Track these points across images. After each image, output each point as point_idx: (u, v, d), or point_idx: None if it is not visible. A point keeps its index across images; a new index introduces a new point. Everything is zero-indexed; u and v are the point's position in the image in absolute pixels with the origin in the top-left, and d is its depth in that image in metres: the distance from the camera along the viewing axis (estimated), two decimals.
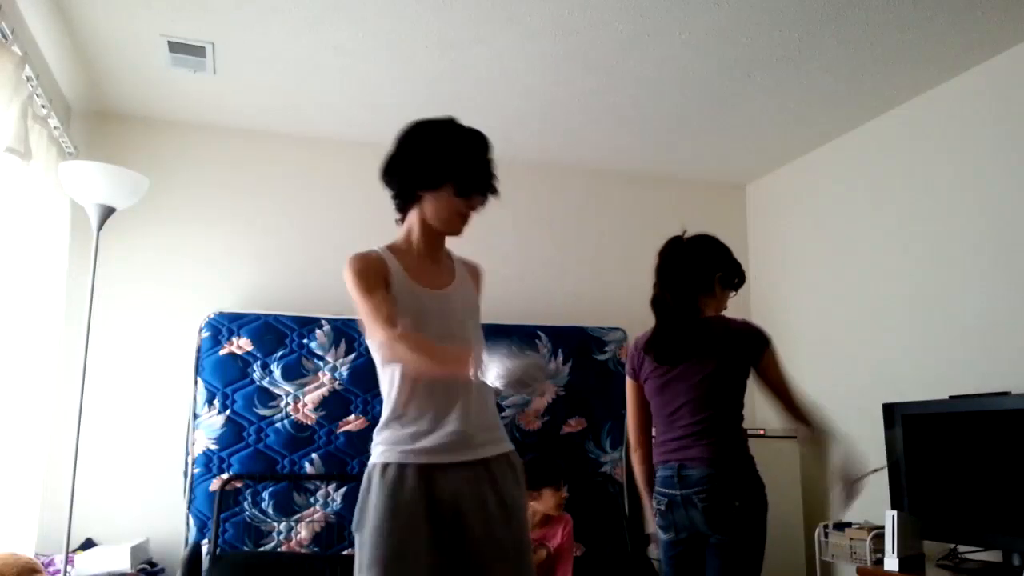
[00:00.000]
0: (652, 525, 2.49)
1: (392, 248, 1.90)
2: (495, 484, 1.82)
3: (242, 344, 3.39)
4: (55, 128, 3.02)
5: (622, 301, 4.08)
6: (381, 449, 1.82)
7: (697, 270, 2.41)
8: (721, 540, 2.23)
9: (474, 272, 2.03)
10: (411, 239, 1.91)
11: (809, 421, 2.31)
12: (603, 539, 3.61)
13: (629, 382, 2.52)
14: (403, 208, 1.92)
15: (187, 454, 3.35)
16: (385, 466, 1.78)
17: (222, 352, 3.37)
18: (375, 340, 1.79)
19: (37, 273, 2.90)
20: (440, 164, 1.84)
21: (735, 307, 2.55)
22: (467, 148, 1.87)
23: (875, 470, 2.35)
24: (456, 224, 1.89)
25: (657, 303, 2.45)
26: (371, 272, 1.80)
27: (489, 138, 1.92)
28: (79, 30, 2.95)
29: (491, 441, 1.87)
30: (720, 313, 2.46)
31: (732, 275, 2.47)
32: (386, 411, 1.85)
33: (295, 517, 3.32)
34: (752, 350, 2.32)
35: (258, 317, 3.45)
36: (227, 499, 3.27)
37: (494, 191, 1.91)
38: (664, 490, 2.35)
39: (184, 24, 2.90)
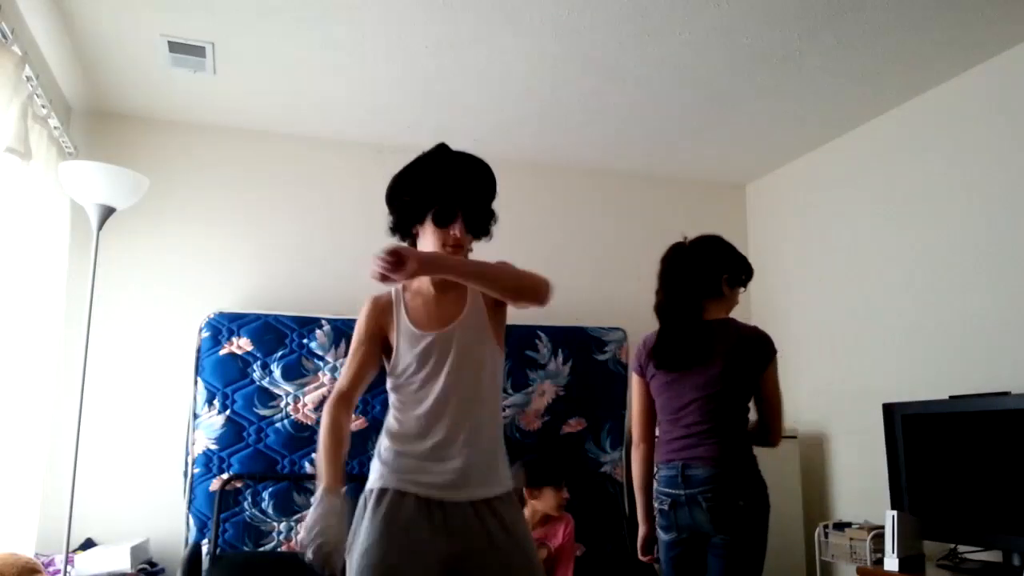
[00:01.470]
0: (643, 526, 2.49)
1: (408, 287, 1.91)
2: (502, 521, 1.80)
3: (242, 344, 3.39)
4: (55, 128, 3.02)
5: (622, 301, 4.08)
6: (380, 472, 1.80)
7: (702, 275, 2.41)
8: (724, 540, 2.23)
9: None
10: (422, 278, 1.89)
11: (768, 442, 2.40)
12: (603, 539, 3.61)
13: (635, 378, 2.52)
14: (409, 242, 1.92)
15: (187, 454, 3.35)
16: (383, 492, 1.77)
17: (222, 352, 3.37)
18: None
19: (37, 273, 2.90)
20: (414, 199, 1.84)
21: (735, 308, 2.54)
22: (439, 177, 1.84)
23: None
24: (447, 254, 1.84)
25: (661, 310, 2.46)
26: (371, 325, 1.88)
27: (473, 163, 1.88)
28: (79, 30, 2.95)
29: (492, 481, 1.83)
30: (731, 311, 2.46)
31: (739, 273, 2.46)
32: (388, 432, 1.85)
33: (295, 517, 3.32)
34: (760, 358, 2.33)
35: (258, 317, 3.45)
36: (227, 499, 3.27)
37: (476, 212, 1.85)
38: (667, 490, 2.34)
39: (184, 24, 2.90)
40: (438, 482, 1.78)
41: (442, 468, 1.79)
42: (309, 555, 1.63)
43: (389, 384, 1.89)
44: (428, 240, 1.85)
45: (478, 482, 1.80)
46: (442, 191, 1.83)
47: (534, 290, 1.79)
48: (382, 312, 1.88)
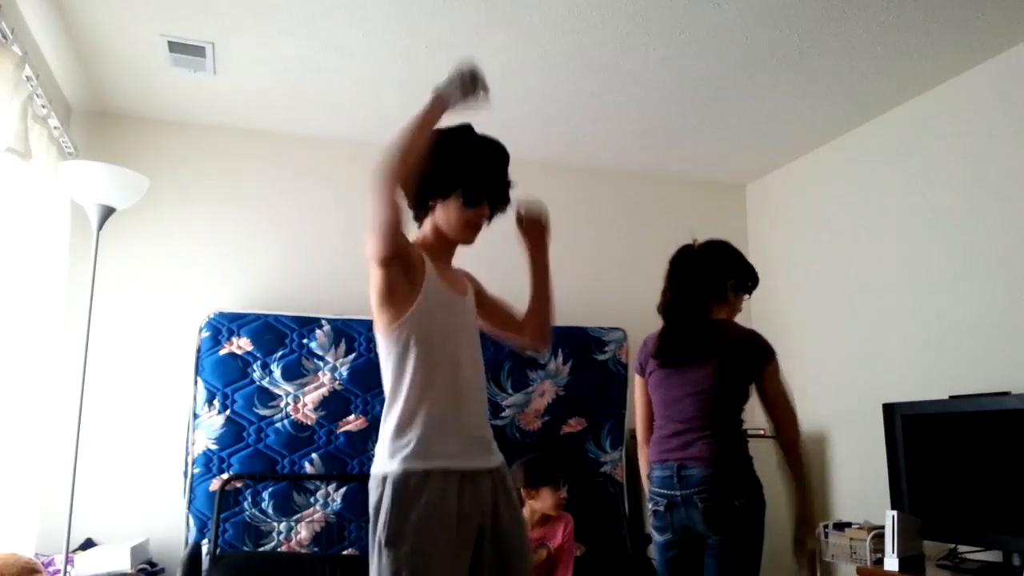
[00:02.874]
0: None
1: (417, 244, 1.87)
2: (507, 490, 1.83)
3: (242, 344, 3.39)
4: (55, 128, 3.02)
5: (622, 301, 4.08)
6: (413, 451, 1.70)
7: (709, 278, 2.43)
8: (720, 541, 2.23)
9: (470, 279, 2.01)
10: (427, 245, 1.88)
11: (791, 462, 2.34)
12: (603, 539, 3.61)
13: (637, 379, 2.56)
14: (418, 216, 1.90)
15: (187, 454, 3.35)
16: (425, 475, 1.69)
17: (222, 352, 3.37)
18: (381, 187, 1.64)
19: (37, 273, 2.90)
20: (448, 172, 1.82)
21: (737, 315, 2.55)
22: (476, 156, 1.85)
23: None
24: (467, 234, 1.87)
25: (667, 309, 2.47)
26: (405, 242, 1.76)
27: (504, 147, 1.90)
28: (79, 30, 2.95)
29: (496, 449, 1.88)
30: (734, 316, 2.47)
31: (745, 280, 2.49)
32: (406, 408, 1.73)
33: (295, 517, 3.32)
34: (755, 362, 2.33)
35: (258, 317, 3.45)
36: (227, 499, 3.27)
37: (504, 200, 1.89)
38: (662, 490, 2.34)
39: (184, 24, 2.90)
40: (471, 451, 1.77)
41: (472, 436, 1.79)
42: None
43: (403, 343, 1.75)
44: (450, 215, 1.83)
45: (494, 449, 1.85)
46: (478, 171, 1.83)
47: (548, 342, 2.04)
48: (415, 251, 1.80)
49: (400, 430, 1.73)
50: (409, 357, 1.75)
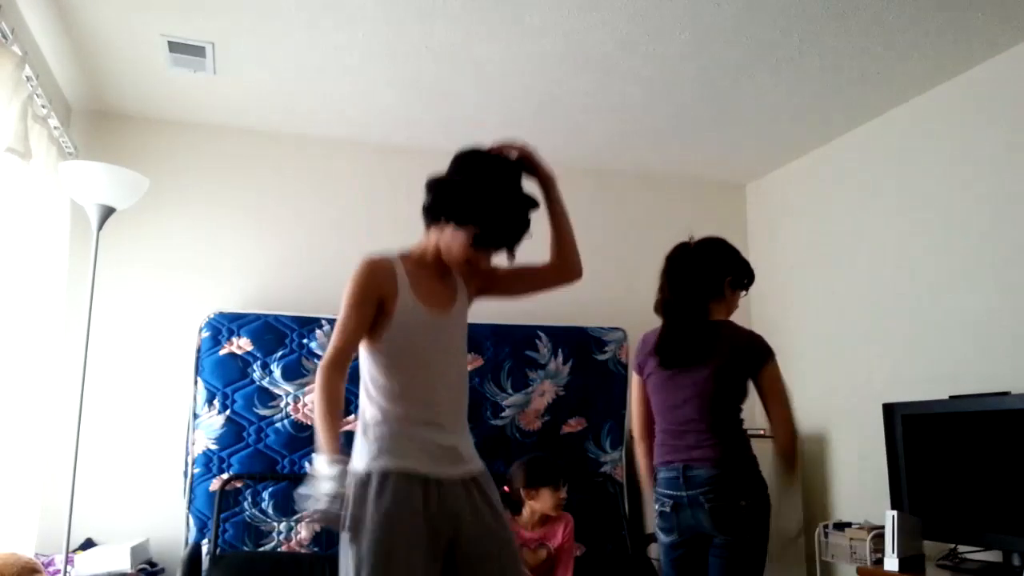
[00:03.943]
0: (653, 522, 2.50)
1: (407, 258, 1.89)
2: (485, 495, 1.85)
3: (242, 344, 3.39)
4: (55, 128, 3.02)
5: (622, 301, 4.07)
6: (377, 452, 1.77)
7: (706, 275, 2.42)
8: (725, 540, 2.23)
9: (474, 275, 2.01)
10: (425, 255, 1.90)
11: (784, 461, 2.35)
12: (603, 539, 3.61)
13: (634, 377, 2.56)
14: (428, 219, 1.90)
15: (187, 454, 3.35)
16: (385, 475, 1.75)
17: (222, 352, 3.37)
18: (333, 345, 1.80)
19: (37, 273, 2.90)
20: (472, 206, 1.81)
21: (735, 312, 2.55)
22: (504, 207, 1.83)
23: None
24: (462, 267, 1.88)
25: (665, 307, 2.47)
26: (372, 287, 1.81)
27: (537, 205, 1.90)
28: (79, 30, 2.95)
29: (475, 457, 1.90)
30: (731, 314, 2.47)
31: (741, 276, 2.48)
32: (375, 411, 1.82)
33: (295, 517, 3.32)
34: (753, 363, 2.33)
35: (258, 317, 3.45)
36: (227, 499, 3.27)
37: (511, 251, 1.89)
38: (669, 492, 2.34)
39: (184, 24, 2.90)
40: (438, 458, 1.79)
41: (440, 445, 1.81)
42: (322, 515, 1.66)
43: (376, 356, 1.83)
44: (454, 243, 1.84)
45: (468, 457, 1.87)
46: (500, 222, 1.83)
47: (576, 267, 2.20)
48: (383, 277, 1.83)
49: (366, 431, 1.81)
50: (381, 366, 1.83)
